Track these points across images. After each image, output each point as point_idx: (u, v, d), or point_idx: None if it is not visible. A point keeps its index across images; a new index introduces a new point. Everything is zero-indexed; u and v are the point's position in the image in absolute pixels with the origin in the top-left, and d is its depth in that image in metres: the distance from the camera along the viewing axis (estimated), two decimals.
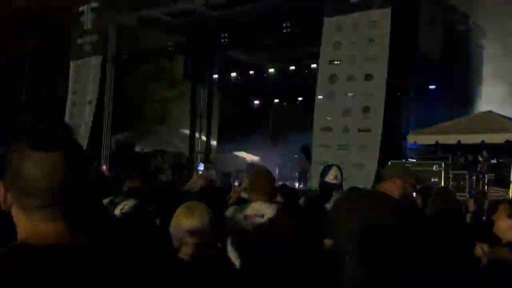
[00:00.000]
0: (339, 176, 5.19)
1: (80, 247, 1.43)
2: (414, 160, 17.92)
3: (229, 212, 4.41)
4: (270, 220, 4.29)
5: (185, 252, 2.92)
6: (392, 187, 3.81)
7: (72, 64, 27.32)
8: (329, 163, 5.70)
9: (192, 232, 2.90)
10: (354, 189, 6.71)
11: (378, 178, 4.04)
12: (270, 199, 4.50)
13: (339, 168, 5.26)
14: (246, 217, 4.32)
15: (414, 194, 4.54)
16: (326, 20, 19.52)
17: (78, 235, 1.47)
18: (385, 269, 3.59)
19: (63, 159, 1.42)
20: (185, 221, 2.93)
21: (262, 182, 4.47)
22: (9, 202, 1.45)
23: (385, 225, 3.61)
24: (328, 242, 4.06)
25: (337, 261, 4.04)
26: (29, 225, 1.45)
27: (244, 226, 4.23)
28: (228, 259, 3.13)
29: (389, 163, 4.29)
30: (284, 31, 21.62)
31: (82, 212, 1.47)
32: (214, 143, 30.70)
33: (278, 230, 4.28)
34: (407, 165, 14.86)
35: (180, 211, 3.01)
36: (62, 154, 1.42)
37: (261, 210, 4.33)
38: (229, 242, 4.15)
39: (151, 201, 5.42)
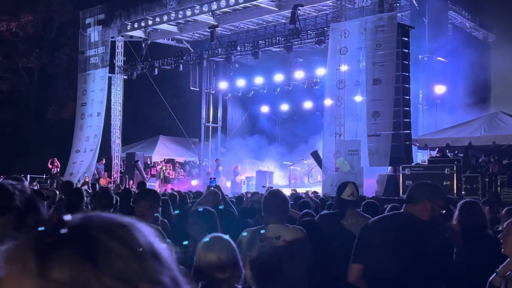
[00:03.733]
0: (355, 193, 5.20)
1: None
2: (426, 164, 17.83)
3: (245, 234, 4.42)
4: (286, 241, 4.30)
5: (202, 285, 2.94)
6: (423, 210, 3.85)
7: (80, 77, 27.46)
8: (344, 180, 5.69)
9: (210, 267, 2.90)
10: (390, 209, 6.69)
11: (406, 198, 3.99)
12: (284, 220, 4.53)
13: (355, 185, 5.28)
14: (262, 239, 4.33)
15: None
16: (332, 25, 19.51)
17: None
18: None
19: (9, 223, 1.48)
20: (204, 255, 2.94)
21: (275, 205, 4.49)
22: None
23: (422, 249, 3.73)
24: (355, 267, 4.03)
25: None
26: None
27: (260, 248, 4.24)
28: None
29: (417, 182, 4.14)
30: (290, 38, 21.59)
31: None
32: (223, 150, 30.74)
33: (294, 251, 4.28)
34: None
35: (201, 245, 3.01)
36: (7, 219, 1.49)
37: (277, 232, 4.35)
38: (245, 264, 4.15)
39: None
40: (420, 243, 3.76)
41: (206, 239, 3.05)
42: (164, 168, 26.80)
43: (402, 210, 4.07)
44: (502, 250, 4.06)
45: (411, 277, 3.69)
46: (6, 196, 1.46)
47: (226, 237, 3.10)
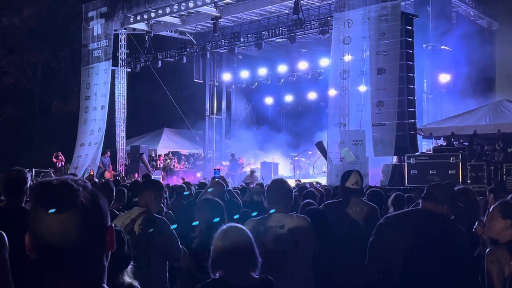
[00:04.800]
0: (359, 181, 5.16)
1: None
2: (431, 153, 17.76)
3: (250, 224, 4.39)
4: (290, 230, 4.28)
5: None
6: (441, 211, 3.84)
7: (83, 70, 27.43)
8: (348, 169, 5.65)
9: (228, 256, 2.92)
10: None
11: (429, 196, 3.90)
12: (288, 209, 4.51)
13: (359, 173, 5.23)
14: (266, 228, 4.32)
15: None
16: (336, 15, 19.42)
17: None
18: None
19: (74, 219, 1.48)
20: (221, 244, 2.95)
21: (279, 194, 4.48)
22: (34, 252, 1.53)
23: (444, 248, 3.69)
24: (372, 266, 3.96)
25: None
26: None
27: (264, 238, 4.22)
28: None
29: (440, 184, 4.08)
30: (294, 28, 21.50)
31: (92, 271, 1.53)
32: (228, 142, 30.73)
33: (298, 240, 4.26)
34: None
35: (218, 234, 3.02)
36: (72, 215, 1.48)
37: (281, 221, 4.33)
38: None
39: None
40: (441, 242, 3.69)
41: (223, 228, 3.05)
42: (168, 160, 26.83)
43: (420, 206, 4.01)
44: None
45: (430, 276, 3.63)
46: (71, 192, 1.49)
47: (242, 226, 3.11)
